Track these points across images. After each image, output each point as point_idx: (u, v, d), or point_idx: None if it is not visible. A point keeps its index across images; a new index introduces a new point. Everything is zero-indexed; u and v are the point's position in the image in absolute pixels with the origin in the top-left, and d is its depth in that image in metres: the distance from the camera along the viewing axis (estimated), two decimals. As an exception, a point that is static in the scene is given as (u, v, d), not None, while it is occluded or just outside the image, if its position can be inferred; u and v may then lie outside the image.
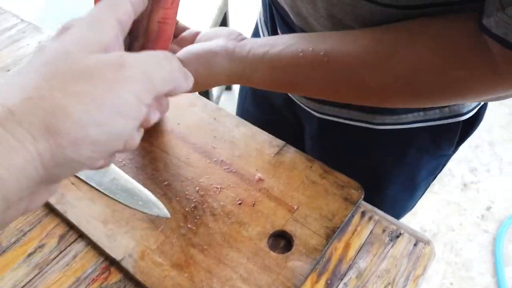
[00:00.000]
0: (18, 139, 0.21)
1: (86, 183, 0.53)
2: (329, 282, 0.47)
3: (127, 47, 0.41)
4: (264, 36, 0.68)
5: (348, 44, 0.41)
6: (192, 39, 0.50)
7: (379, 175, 0.67)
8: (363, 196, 0.53)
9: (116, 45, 0.26)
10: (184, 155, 0.57)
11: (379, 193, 0.69)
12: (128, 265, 0.46)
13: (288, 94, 0.66)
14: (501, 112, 1.96)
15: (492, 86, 0.38)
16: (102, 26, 0.26)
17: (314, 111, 0.63)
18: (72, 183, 0.54)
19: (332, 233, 0.49)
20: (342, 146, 0.67)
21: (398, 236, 0.51)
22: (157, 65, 0.25)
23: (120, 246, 0.48)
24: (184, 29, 0.52)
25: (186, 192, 0.53)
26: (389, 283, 0.47)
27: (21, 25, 0.81)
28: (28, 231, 0.51)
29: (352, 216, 0.52)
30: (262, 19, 0.68)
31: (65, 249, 0.49)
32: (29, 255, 0.49)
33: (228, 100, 1.95)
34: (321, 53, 0.41)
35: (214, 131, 0.61)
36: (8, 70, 0.72)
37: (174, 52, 0.47)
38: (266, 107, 0.75)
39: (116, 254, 0.47)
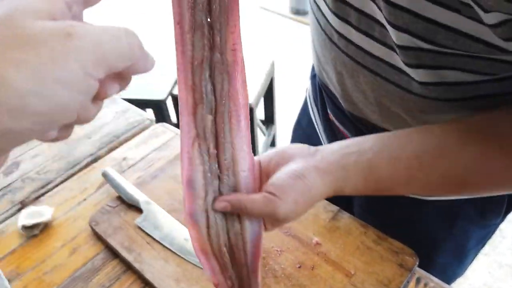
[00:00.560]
0: None
1: (160, 243, 0.59)
2: None
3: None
4: (313, 113, 0.74)
5: (438, 147, 0.42)
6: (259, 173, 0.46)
7: (428, 244, 0.69)
8: (417, 263, 0.55)
9: (67, 16, 0.24)
10: (246, 219, 0.62)
11: (429, 261, 0.70)
12: (199, 322, 0.51)
13: None
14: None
15: None
16: None
17: None
18: (148, 243, 0.60)
19: (390, 299, 0.51)
20: (390, 217, 0.69)
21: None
22: (112, 38, 0.23)
23: (192, 304, 0.52)
24: None
25: (250, 254, 0.57)
26: None
27: (100, 96, 0.93)
28: (109, 286, 0.57)
29: (408, 282, 0.54)
30: (312, 97, 0.73)
31: (141, 305, 0.54)
32: (110, 309, 0.54)
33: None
34: (414, 159, 0.42)
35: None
36: (90, 138, 0.82)
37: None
38: None
39: (188, 312, 0.52)
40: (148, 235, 0.61)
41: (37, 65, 0.21)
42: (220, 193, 0.38)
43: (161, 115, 1.55)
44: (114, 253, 0.60)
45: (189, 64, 0.33)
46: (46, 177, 0.74)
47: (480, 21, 0.35)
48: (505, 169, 0.40)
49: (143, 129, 0.84)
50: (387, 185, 0.43)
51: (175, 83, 1.58)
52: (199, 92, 0.34)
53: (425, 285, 0.54)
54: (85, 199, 0.69)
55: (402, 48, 0.41)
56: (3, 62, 0.20)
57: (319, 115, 0.70)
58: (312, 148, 0.44)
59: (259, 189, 0.42)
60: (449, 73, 0.43)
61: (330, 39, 0.52)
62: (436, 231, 0.67)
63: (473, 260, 0.77)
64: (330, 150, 0.44)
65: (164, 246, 0.59)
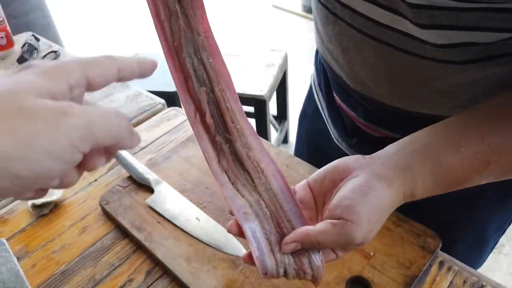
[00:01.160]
0: None
1: (171, 222, 0.58)
2: (410, 332, 0.46)
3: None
4: (319, 99, 0.71)
5: (504, 126, 0.39)
6: (310, 195, 0.42)
7: (449, 231, 0.66)
8: (440, 245, 0.52)
9: (67, 97, 0.26)
10: (260, 200, 0.60)
11: (449, 250, 0.67)
12: (211, 302, 0.49)
13: (347, 152, 0.67)
14: None
15: None
16: (57, 76, 0.26)
17: None
18: (158, 222, 0.58)
19: (411, 281, 0.49)
20: (411, 202, 0.66)
21: (481, 288, 0.49)
22: (103, 119, 0.25)
23: (204, 283, 0.50)
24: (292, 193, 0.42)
25: (264, 235, 0.55)
26: (475, 338, 0.45)
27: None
28: (118, 265, 0.55)
29: (430, 265, 0.52)
30: (316, 82, 0.71)
31: (151, 284, 0.53)
32: (119, 288, 0.52)
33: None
34: (481, 143, 0.38)
35: (288, 178, 0.63)
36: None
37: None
38: (323, 164, 0.76)
39: (199, 291, 0.50)
40: (159, 214, 0.59)
41: (29, 135, 0.23)
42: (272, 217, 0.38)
43: (173, 105, 1.54)
44: (124, 233, 0.59)
45: (172, 47, 0.36)
46: (57, 159, 0.73)
47: None
48: None
49: (155, 113, 0.82)
50: (460, 177, 0.39)
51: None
52: (186, 69, 0.36)
53: (449, 268, 0.52)
54: (95, 180, 0.68)
55: (416, 7, 0.39)
56: None
57: (325, 100, 0.68)
58: (366, 157, 0.40)
59: (317, 212, 0.40)
60: (464, 33, 0.40)
61: (333, 13, 0.49)
62: (458, 215, 0.64)
63: (491, 250, 0.74)
64: (387, 154, 0.40)
65: (175, 225, 0.57)
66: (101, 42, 3.02)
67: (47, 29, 1.43)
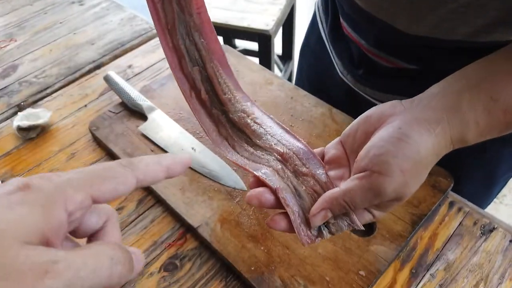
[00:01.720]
0: None
1: (165, 151, 0.54)
2: (413, 271, 0.44)
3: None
4: (323, 26, 0.64)
5: None
6: (341, 151, 0.38)
7: (458, 172, 0.63)
8: (452, 185, 0.49)
9: (63, 230, 0.23)
10: (261, 131, 0.56)
11: (457, 191, 0.65)
12: (204, 233, 0.46)
13: (352, 87, 0.62)
14: None
15: None
16: (54, 208, 0.22)
17: (380, 102, 0.59)
18: (152, 150, 0.54)
19: (419, 220, 0.46)
20: None
21: (491, 230, 0.46)
22: (91, 273, 0.23)
23: (197, 214, 0.48)
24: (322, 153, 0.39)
25: (263, 167, 0.52)
26: (482, 279, 0.43)
27: (105, 3, 0.85)
28: (109, 193, 0.52)
29: (440, 205, 0.48)
30: (322, 7, 0.65)
31: (143, 212, 0.50)
32: (109, 216, 0.50)
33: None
34: None
35: (292, 110, 0.59)
36: (93, 44, 0.75)
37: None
38: (324, 100, 0.71)
39: (193, 221, 0.47)
40: (153, 142, 0.55)
41: None
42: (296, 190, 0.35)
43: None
44: (114, 160, 0.55)
45: (165, 29, 0.37)
46: (44, 82, 0.68)
47: None
48: None
49: (150, 38, 0.76)
50: None
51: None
52: (180, 50, 0.38)
53: (459, 209, 0.48)
54: (85, 105, 0.64)
55: None
56: None
57: (330, 28, 0.61)
58: (405, 101, 0.35)
59: (350, 171, 0.35)
60: None
61: None
62: (469, 154, 0.60)
63: (499, 191, 0.72)
64: (430, 94, 0.34)
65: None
66: None
67: None
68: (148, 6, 0.36)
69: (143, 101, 0.58)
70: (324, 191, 0.34)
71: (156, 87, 0.63)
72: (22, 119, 0.59)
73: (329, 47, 0.64)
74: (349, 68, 0.59)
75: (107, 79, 0.62)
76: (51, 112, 0.61)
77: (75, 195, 0.23)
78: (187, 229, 0.48)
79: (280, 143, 0.38)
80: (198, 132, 0.56)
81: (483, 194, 0.69)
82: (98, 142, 0.57)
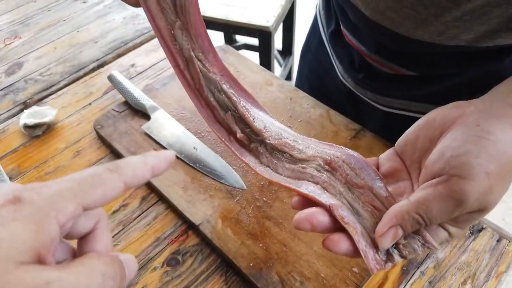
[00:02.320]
0: None
1: (168, 150, 0.56)
2: (404, 268, 0.46)
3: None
4: (324, 30, 0.65)
5: None
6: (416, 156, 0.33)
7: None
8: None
9: (52, 249, 0.23)
10: (261, 131, 0.57)
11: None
12: (205, 230, 0.48)
13: (352, 89, 0.63)
14: None
15: None
16: (46, 222, 0.22)
17: (381, 105, 0.60)
18: (154, 149, 0.56)
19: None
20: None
21: (480, 230, 0.48)
22: None
23: (199, 211, 0.50)
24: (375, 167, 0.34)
25: (262, 167, 0.54)
26: (469, 277, 0.45)
27: (108, 1, 0.86)
28: (113, 190, 0.54)
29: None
30: (323, 11, 0.65)
31: (146, 209, 0.52)
32: (114, 212, 0.52)
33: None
34: None
35: (290, 111, 0.61)
36: (96, 42, 0.76)
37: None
38: (325, 102, 0.72)
39: (194, 219, 0.49)
40: (156, 141, 0.57)
41: None
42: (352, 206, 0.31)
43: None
44: (119, 158, 0.57)
45: (194, 89, 0.40)
46: (49, 79, 0.70)
47: None
48: None
49: (153, 36, 0.77)
50: None
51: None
52: (210, 103, 0.40)
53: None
54: (90, 104, 0.65)
55: None
56: None
57: (329, 33, 0.62)
58: (474, 100, 0.31)
59: (412, 184, 0.31)
60: None
61: None
62: None
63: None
64: (498, 92, 0.31)
65: (172, 153, 0.55)
66: None
67: None
68: (177, 74, 0.39)
69: (146, 101, 0.60)
70: (386, 208, 0.29)
71: (158, 87, 0.65)
72: (28, 117, 0.60)
73: (330, 51, 0.65)
74: (349, 71, 0.60)
75: (111, 78, 0.64)
76: (57, 110, 0.62)
77: (67, 206, 0.22)
78: (189, 226, 0.50)
79: (324, 152, 0.35)
80: (199, 131, 0.58)
81: None
82: (103, 140, 0.59)
